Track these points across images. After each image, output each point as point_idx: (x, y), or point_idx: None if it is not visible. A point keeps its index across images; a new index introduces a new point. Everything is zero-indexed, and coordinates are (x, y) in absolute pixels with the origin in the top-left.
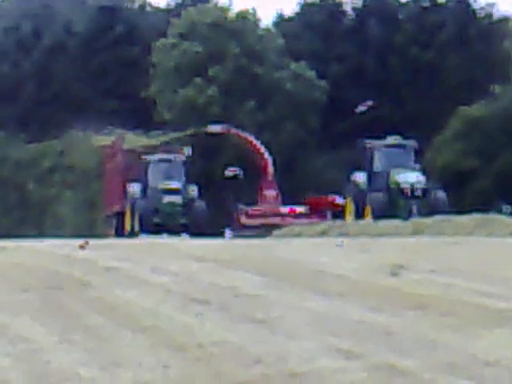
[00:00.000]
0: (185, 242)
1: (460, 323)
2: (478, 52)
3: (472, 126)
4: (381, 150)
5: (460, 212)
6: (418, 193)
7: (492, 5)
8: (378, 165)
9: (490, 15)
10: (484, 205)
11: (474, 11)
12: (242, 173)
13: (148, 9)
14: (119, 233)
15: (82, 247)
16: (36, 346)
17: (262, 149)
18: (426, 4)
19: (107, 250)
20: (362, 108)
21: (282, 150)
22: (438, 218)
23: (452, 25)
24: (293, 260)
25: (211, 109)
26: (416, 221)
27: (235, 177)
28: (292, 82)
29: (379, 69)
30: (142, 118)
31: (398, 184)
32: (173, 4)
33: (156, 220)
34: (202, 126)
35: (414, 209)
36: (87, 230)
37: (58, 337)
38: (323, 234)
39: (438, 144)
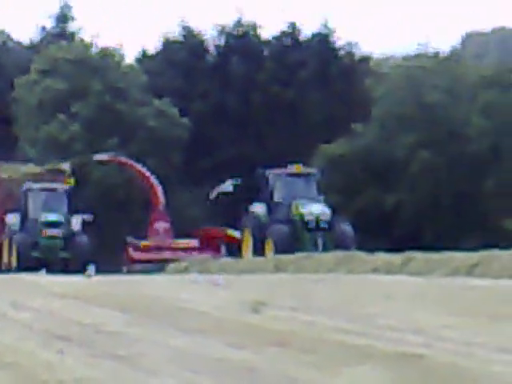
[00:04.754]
0: (46, 278)
1: (321, 360)
2: (338, 90)
3: (333, 164)
4: (282, 178)
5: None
6: (324, 225)
7: (354, 44)
8: (279, 195)
9: (351, 54)
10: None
11: (335, 50)
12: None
13: (11, 44)
14: None
15: None
16: None
17: (152, 178)
18: (288, 42)
19: None
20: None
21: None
22: (299, 254)
23: (313, 63)
24: (155, 297)
25: (74, 145)
26: (277, 257)
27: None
28: (155, 119)
29: (241, 106)
30: (4, 154)
31: (301, 216)
32: (36, 40)
33: (35, 254)
34: (87, 155)
35: (320, 242)
36: None
37: None
38: (185, 270)
39: None
